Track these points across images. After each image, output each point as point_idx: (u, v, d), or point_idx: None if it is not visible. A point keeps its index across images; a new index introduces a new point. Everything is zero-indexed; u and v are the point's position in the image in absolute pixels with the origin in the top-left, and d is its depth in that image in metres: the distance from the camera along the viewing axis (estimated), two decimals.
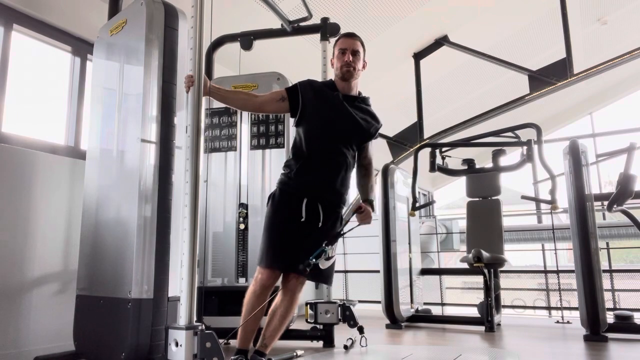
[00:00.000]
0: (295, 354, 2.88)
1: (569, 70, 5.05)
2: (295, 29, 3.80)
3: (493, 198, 4.60)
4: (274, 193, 2.34)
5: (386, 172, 4.55)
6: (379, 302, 4.52)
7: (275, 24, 3.83)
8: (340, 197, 2.36)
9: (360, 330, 3.21)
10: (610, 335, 3.59)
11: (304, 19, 3.75)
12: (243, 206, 3.47)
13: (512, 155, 4.88)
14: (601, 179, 9.11)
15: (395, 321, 4.33)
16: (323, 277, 2.34)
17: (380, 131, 2.53)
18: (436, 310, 5.29)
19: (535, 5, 6.01)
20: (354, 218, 2.37)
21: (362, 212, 2.32)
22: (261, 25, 3.89)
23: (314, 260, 2.15)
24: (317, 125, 2.32)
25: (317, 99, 2.36)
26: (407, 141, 6.10)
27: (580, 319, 3.77)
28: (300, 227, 2.24)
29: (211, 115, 3.61)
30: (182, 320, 1.95)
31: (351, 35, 2.43)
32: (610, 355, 3.17)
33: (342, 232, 2.37)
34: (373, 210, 2.37)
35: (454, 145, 4.99)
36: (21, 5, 3.14)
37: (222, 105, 2.49)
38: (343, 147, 2.32)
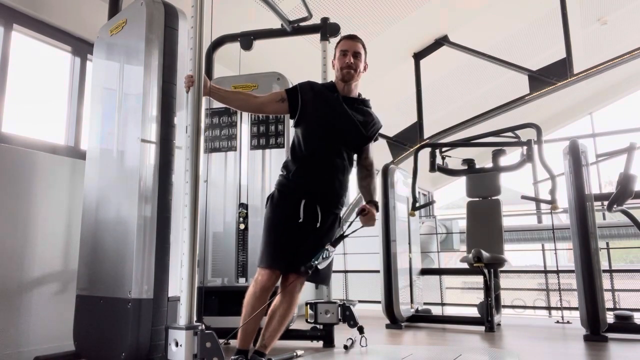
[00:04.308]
0: (295, 354, 2.88)
1: (569, 70, 5.05)
2: (295, 29, 3.80)
3: (493, 198, 4.60)
4: (272, 194, 2.35)
5: (386, 172, 4.55)
6: (379, 302, 4.52)
7: (275, 24, 3.83)
8: (339, 198, 2.36)
9: (360, 330, 3.21)
10: (610, 335, 3.58)
11: (304, 19, 3.75)
12: (243, 206, 3.47)
13: (512, 155, 4.88)
14: (601, 179, 9.11)
15: (395, 321, 4.33)
16: (320, 278, 2.34)
17: (380, 131, 2.52)
18: (436, 310, 5.29)
19: (535, 5, 6.01)
20: (357, 220, 2.34)
21: (366, 214, 2.29)
22: (261, 25, 3.89)
23: (316, 262, 2.14)
24: (315, 127, 2.33)
25: (317, 100, 2.36)
26: (407, 141, 6.10)
27: (580, 319, 3.77)
28: (299, 227, 2.24)
29: (211, 115, 3.61)
30: (182, 320, 1.95)
31: (352, 37, 2.43)
32: (610, 355, 3.17)
33: (345, 234, 2.34)
34: (377, 211, 2.34)
35: (454, 145, 4.99)
36: (21, 5, 3.14)
37: (222, 105, 2.49)
38: (341, 148, 2.32)
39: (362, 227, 2.32)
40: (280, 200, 2.30)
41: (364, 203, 2.37)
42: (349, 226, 2.31)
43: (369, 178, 2.43)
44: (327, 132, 2.31)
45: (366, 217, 2.30)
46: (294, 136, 2.39)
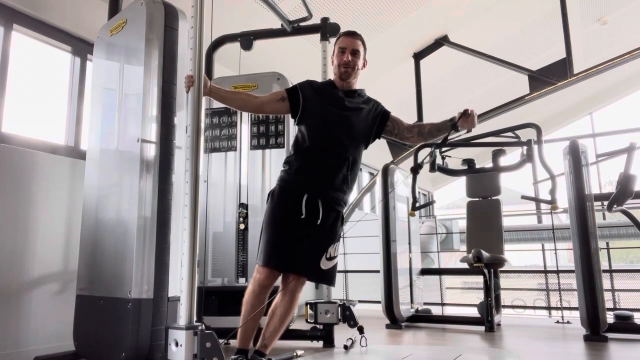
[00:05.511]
0: (295, 354, 2.87)
1: (569, 70, 5.05)
2: (295, 29, 3.80)
3: (493, 198, 4.60)
4: (273, 190, 2.33)
5: (386, 172, 4.55)
6: (379, 302, 4.52)
7: (275, 24, 3.83)
8: (343, 194, 2.33)
9: (360, 330, 3.21)
10: (610, 335, 3.58)
11: (304, 19, 3.75)
12: (243, 206, 3.47)
13: (512, 155, 4.87)
14: (601, 179, 9.11)
15: (395, 321, 4.33)
16: (326, 278, 2.33)
17: None
18: (436, 310, 5.29)
19: (536, 5, 6.01)
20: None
21: (469, 114, 2.27)
22: (261, 25, 3.89)
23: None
24: (319, 122, 2.32)
25: (317, 97, 2.36)
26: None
27: (580, 319, 3.77)
28: (300, 224, 2.23)
29: (211, 115, 3.61)
30: (182, 320, 1.95)
31: (352, 34, 2.41)
32: (610, 355, 3.16)
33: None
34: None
35: (454, 145, 4.98)
36: (21, 5, 3.14)
37: (222, 105, 2.49)
38: (345, 143, 2.31)
39: (466, 131, 2.35)
40: (281, 196, 2.28)
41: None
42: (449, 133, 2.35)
43: (422, 124, 2.46)
44: (330, 126, 2.30)
45: (470, 117, 2.27)
46: (297, 132, 2.38)
